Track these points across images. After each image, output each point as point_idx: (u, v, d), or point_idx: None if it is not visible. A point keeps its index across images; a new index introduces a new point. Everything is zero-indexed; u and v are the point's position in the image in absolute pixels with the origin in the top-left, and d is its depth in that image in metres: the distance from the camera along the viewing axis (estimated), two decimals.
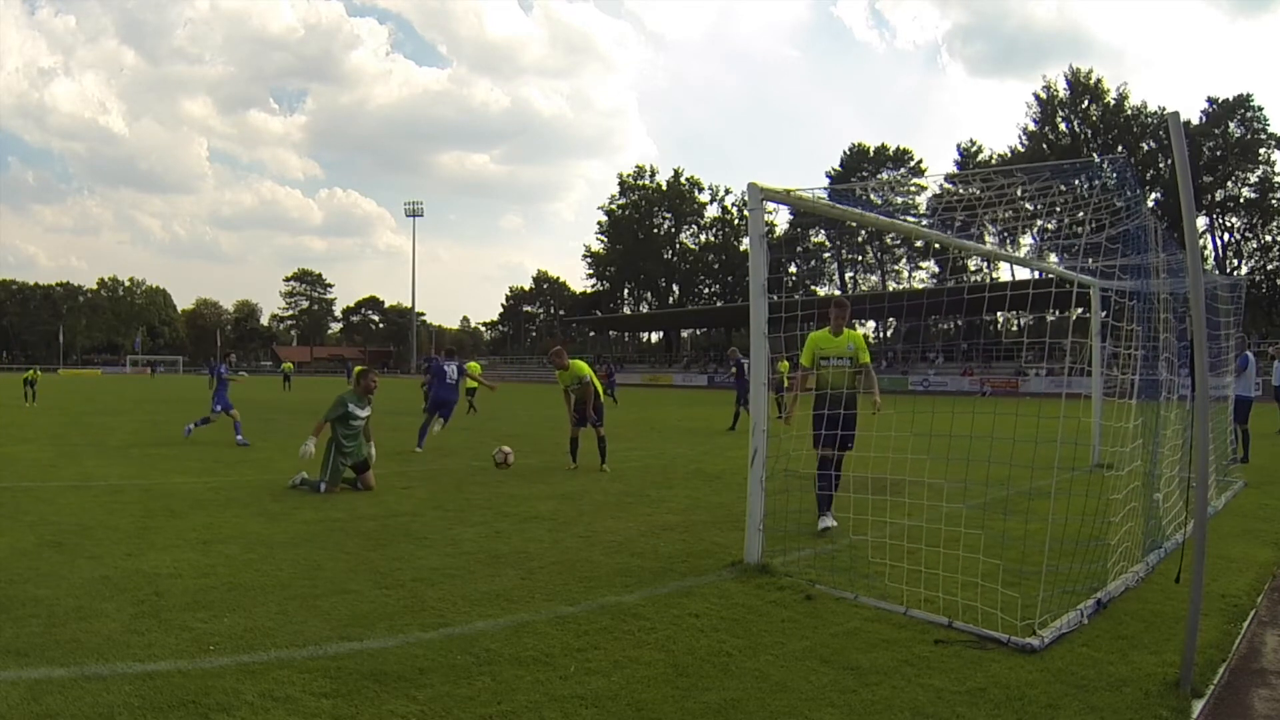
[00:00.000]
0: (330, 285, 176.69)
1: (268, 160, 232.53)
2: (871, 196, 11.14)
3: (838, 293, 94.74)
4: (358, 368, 14.02)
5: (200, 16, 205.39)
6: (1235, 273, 76.37)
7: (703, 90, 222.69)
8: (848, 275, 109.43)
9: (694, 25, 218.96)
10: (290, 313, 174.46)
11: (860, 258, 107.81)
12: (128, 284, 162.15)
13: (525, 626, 6.21)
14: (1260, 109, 79.78)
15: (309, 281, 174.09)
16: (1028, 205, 9.47)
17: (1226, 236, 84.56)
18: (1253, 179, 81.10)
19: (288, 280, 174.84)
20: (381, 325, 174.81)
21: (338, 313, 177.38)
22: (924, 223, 11.90)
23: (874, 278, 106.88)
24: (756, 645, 5.86)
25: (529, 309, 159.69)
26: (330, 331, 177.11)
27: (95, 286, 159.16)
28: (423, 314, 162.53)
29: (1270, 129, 79.28)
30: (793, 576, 7.43)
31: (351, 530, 9.32)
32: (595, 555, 8.41)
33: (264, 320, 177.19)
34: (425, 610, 6.51)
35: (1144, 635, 6.04)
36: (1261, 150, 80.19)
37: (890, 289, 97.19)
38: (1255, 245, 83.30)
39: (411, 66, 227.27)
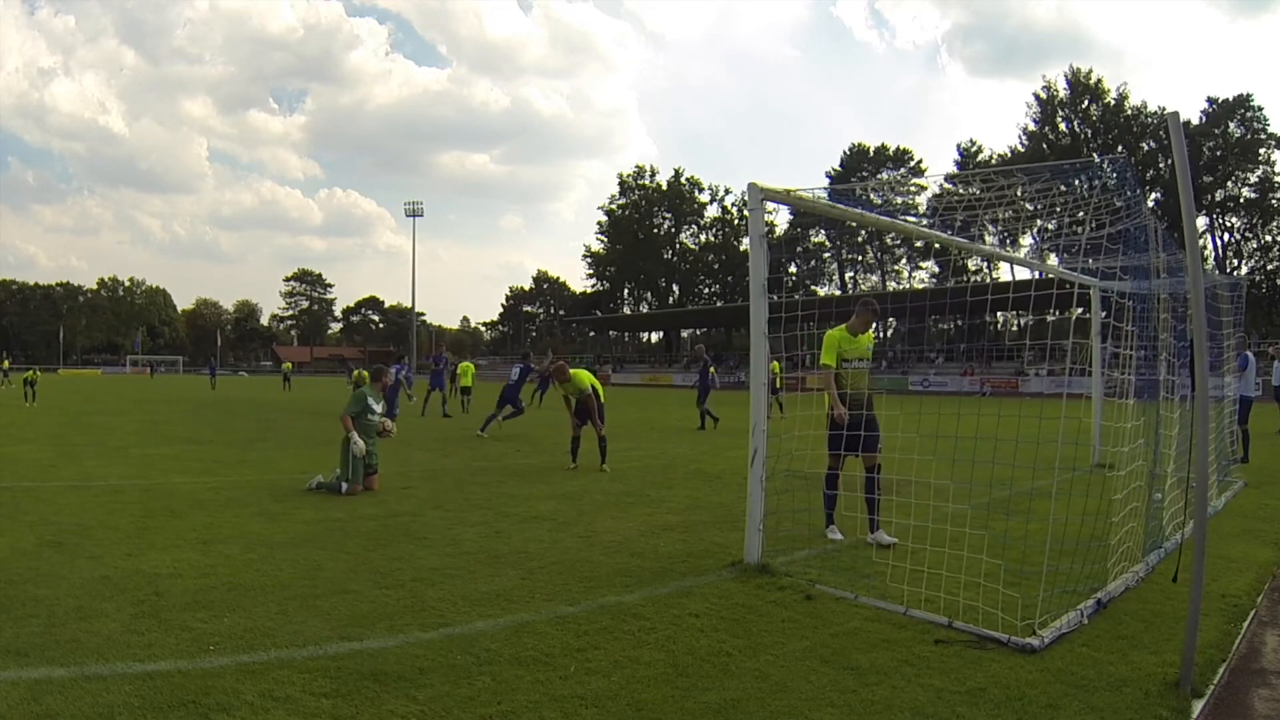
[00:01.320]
0: (330, 285, 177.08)
1: (268, 160, 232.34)
2: (872, 196, 11.04)
3: (838, 292, 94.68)
4: (356, 371, 14.12)
5: (200, 16, 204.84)
6: (1235, 273, 76.42)
7: (703, 90, 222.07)
8: (848, 275, 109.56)
9: (694, 25, 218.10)
10: (290, 313, 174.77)
11: (860, 258, 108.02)
12: (128, 284, 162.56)
13: (525, 626, 6.22)
14: (1260, 109, 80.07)
15: (309, 281, 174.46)
16: (1028, 205, 9.45)
17: (1226, 236, 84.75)
18: (1253, 179, 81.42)
19: (288, 280, 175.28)
20: (381, 325, 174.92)
21: (338, 313, 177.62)
22: (924, 223, 11.81)
23: (874, 278, 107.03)
24: (756, 645, 5.87)
25: (529, 309, 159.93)
26: (330, 331, 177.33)
27: (95, 286, 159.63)
28: (423, 314, 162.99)
29: (1270, 129, 79.52)
30: (793, 576, 7.43)
31: (351, 530, 9.34)
32: (595, 555, 8.43)
33: (264, 320, 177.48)
34: (425, 610, 6.52)
35: (1144, 635, 6.05)
36: (1261, 150, 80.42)
37: (890, 289, 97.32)
38: (1255, 245, 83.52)
39: (411, 66, 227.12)
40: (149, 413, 30.90)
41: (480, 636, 5.97)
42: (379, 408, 12.53)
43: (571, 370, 14.72)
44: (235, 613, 6.36)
